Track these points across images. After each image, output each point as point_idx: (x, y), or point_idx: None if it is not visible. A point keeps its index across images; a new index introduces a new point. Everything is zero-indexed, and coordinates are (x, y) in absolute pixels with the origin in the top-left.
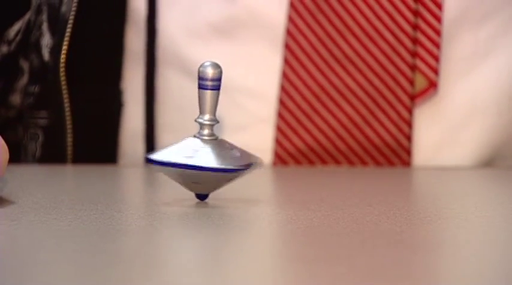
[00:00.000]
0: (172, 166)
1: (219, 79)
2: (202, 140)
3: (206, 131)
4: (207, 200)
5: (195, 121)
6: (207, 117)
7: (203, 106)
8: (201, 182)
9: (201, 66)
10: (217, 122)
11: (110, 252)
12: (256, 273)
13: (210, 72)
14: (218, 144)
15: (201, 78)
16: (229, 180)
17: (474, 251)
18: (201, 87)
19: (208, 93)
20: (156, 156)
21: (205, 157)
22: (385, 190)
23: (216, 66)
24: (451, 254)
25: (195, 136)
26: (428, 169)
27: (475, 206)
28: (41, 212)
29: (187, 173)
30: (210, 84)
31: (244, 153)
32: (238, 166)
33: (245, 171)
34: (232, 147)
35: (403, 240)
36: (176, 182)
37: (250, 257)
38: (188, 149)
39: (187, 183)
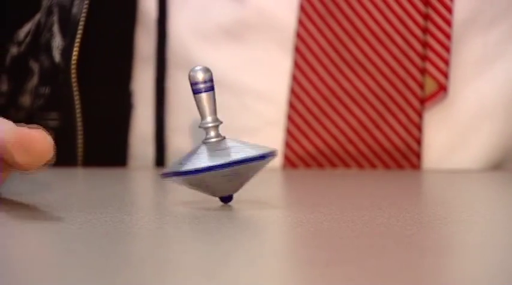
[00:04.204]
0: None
1: (211, 81)
2: (212, 143)
3: (212, 133)
4: (215, 203)
5: (199, 127)
6: (209, 119)
7: (202, 110)
8: (236, 177)
9: (190, 71)
10: (221, 122)
11: (120, 255)
12: (266, 276)
13: (200, 76)
14: (225, 142)
15: (193, 83)
16: (248, 173)
17: (484, 254)
18: (195, 91)
19: (204, 96)
20: (173, 169)
21: (234, 151)
22: (395, 193)
23: (206, 69)
24: (461, 257)
25: (203, 142)
26: (438, 172)
27: (485, 209)
28: (51, 215)
29: (226, 172)
30: (203, 86)
31: (255, 145)
32: (266, 151)
33: (269, 158)
34: (242, 142)
35: (413, 243)
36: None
37: (261, 260)
38: (203, 156)
39: (215, 186)
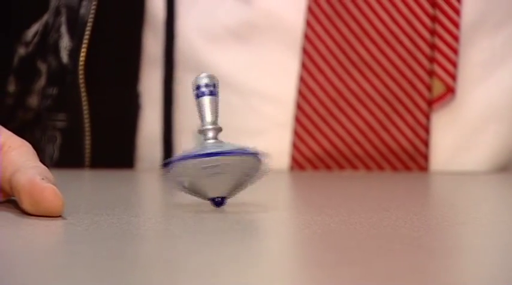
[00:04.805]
0: (191, 158)
1: (214, 86)
2: (208, 144)
3: (210, 135)
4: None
5: (198, 130)
6: (208, 120)
7: (203, 113)
8: (221, 173)
9: (195, 77)
10: (220, 128)
11: (127, 257)
12: (274, 278)
13: (203, 80)
14: (223, 144)
15: (196, 87)
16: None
17: (491, 256)
18: (198, 95)
19: (206, 100)
20: (171, 159)
21: (220, 146)
22: (402, 195)
23: (210, 75)
24: (468, 258)
25: (201, 144)
26: (445, 173)
27: (492, 210)
28: (57, 217)
29: (206, 162)
30: (206, 90)
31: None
32: (247, 150)
33: (261, 158)
34: (236, 144)
35: (420, 245)
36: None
37: (268, 262)
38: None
39: (205, 183)
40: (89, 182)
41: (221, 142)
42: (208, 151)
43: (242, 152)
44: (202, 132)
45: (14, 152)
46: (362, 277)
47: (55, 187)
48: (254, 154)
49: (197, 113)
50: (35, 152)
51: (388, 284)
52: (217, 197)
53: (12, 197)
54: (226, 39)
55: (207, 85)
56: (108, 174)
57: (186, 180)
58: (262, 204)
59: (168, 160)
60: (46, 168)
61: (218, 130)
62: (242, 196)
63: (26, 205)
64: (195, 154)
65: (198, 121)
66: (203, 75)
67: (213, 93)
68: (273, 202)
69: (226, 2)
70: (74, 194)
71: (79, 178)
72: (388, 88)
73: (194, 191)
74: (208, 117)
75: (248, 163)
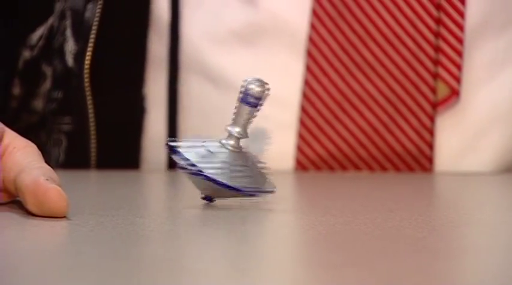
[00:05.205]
0: (184, 161)
1: (260, 98)
2: (225, 148)
3: (232, 142)
4: (227, 205)
5: (226, 129)
6: (237, 129)
7: (238, 119)
8: (206, 188)
9: (247, 80)
10: (246, 137)
11: (132, 258)
12: (279, 279)
13: (255, 90)
14: (237, 157)
15: (245, 93)
16: (233, 196)
17: (496, 257)
18: (242, 101)
19: (247, 109)
20: (176, 145)
21: (215, 166)
22: (407, 196)
23: (264, 87)
24: (473, 259)
25: (220, 142)
26: (450, 174)
27: (496, 211)
28: (62, 218)
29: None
30: (252, 101)
31: (260, 175)
32: (243, 187)
33: (249, 194)
34: (250, 164)
35: (425, 246)
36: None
37: (273, 262)
38: (205, 150)
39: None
40: (94, 183)
41: (240, 151)
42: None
43: (249, 193)
44: (228, 133)
45: (19, 153)
46: (367, 278)
47: (59, 188)
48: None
49: (233, 113)
50: (39, 153)
51: (393, 284)
52: (209, 196)
53: (17, 198)
54: (231, 41)
55: (256, 98)
56: (113, 175)
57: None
58: (267, 205)
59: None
60: (51, 169)
61: (241, 139)
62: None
63: (31, 205)
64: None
65: (204, 122)
66: (257, 81)
67: (257, 106)
68: (277, 203)
69: (231, 4)
70: (79, 195)
71: (84, 178)
72: (392, 90)
73: (192, 181)
74: (240, 126)
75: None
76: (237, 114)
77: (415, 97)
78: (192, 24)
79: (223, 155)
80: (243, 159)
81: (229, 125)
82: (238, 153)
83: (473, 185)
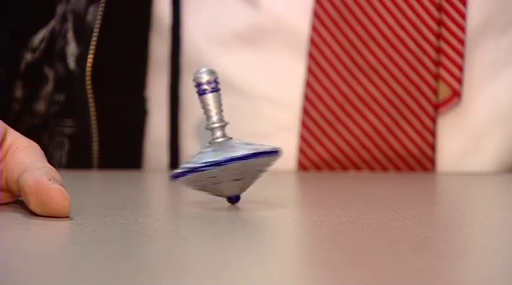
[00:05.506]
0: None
1: (215, 82)
2: (218, 142)
3: (218, 133)
4: (228, 205)
5: (205, 128)
6: (214, 119)
7: (208, 111)
8: (244, 174)
9: (195, 73)
10: (227, 123)
11: (134, 258)
12: (281, 278)
13: (204, 77)
14: (232, 141)
15: (197, 85)
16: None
17: (498, 256)
18: (200, 93)
19: (209, 96)
20: (182, 169)
21: (219, 153)
22: (409, 196)
23: (210, 71)
24: (476, 259)
25: (210, 143)
26: (452, 174)
27: (499, 211)
28: (65, 218)
29: (215, 172)
30: (208, 87)
31: (261, 145)
32: (257, 150)
33: (274, 155)
34: (248, 142)
35: (428, 246)
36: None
37: (275, 262)
38: (210, 154)
39: (222, 185)
40: (97, 183)
41: (229, 139)
42: (239, 154)
43: (267, 152)
44: (211, 130)
45: (22, 153)
46: (369, 277)
47: (62, 188)
48: (274, 153)
49: (202, 110)
50: (42, 152)
51: (396, 284)
52: (233, 196)
53: (20, 198)
54: (233, 43)
55: (208, 83)
56: (115, 175)
57: (198, 187)
58: (270, 204)
59: (178, 171)
60: (53, 169)
61: (225, 126)
62: (249, 196)
63: (33, 205)
64: (205, 165)
65: (205, 124)
66: (203, 70)
67: (214, 90)
68: (279, 202)
69: (232, 6)
70: (82, 195)
71: (86, 178)
72: (394, 92)
73: (209, 190)
74: (214, 115)
75: (269, 162)
76: (204, 108)
77: (416, 98)
78: (194, 26)
79: (218, 145)
80: (237, 140)
81: (206, 124)
82: (229, 139)
83: (475, 185)
